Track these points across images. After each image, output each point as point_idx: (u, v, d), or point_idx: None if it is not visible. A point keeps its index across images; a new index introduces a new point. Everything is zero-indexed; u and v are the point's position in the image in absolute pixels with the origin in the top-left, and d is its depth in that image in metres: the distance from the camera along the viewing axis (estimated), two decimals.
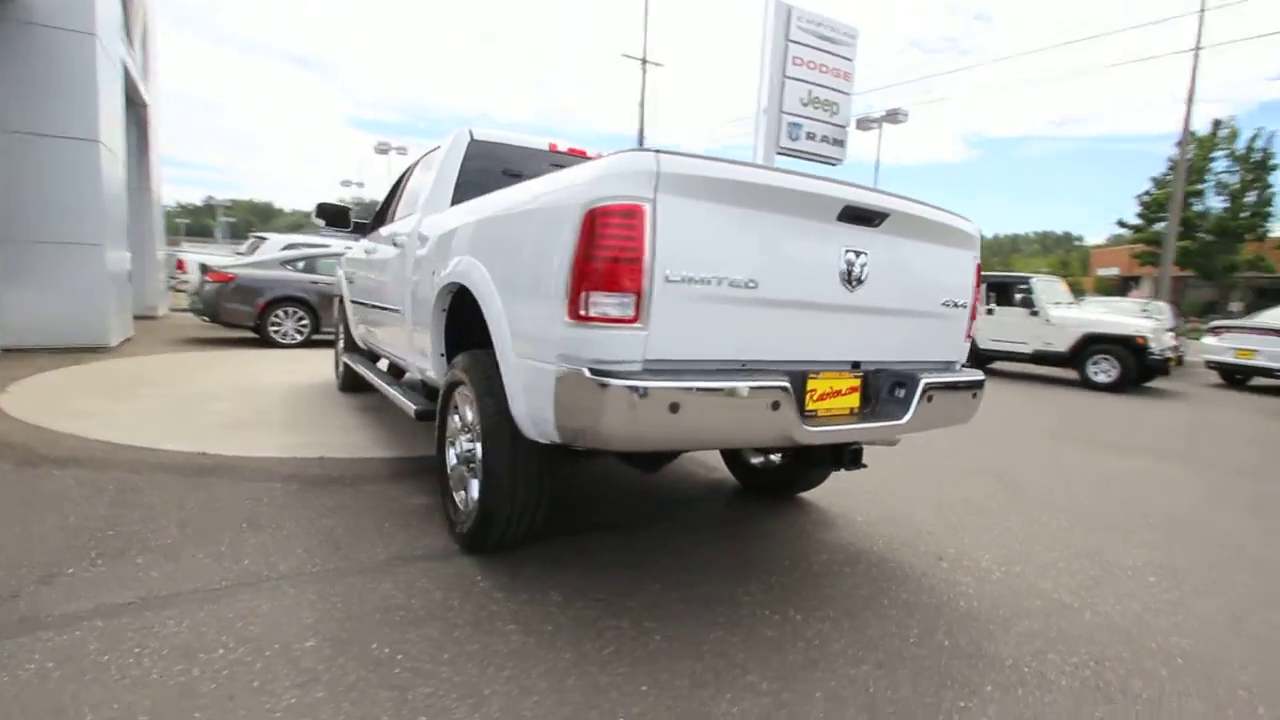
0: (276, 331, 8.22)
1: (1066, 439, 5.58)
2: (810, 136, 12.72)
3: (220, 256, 11.65)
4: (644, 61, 29.69)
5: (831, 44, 12.71)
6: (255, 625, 1.88)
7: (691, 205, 1.69)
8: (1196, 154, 24.79)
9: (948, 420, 2.37)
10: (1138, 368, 8.61)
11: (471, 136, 3.37)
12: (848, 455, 2.26)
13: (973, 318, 2.52)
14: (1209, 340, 10.01)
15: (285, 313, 8.26)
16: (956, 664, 1.93)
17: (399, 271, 3.40)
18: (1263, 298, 26.59)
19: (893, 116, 20.21)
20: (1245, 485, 4.33)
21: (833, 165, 13.40)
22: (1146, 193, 26.32)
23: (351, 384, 5.37)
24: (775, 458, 3.37)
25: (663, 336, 1.70)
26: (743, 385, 1.74)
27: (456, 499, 2.56)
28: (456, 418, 2.62)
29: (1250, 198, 24.28)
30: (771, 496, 3.39)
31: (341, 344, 5.44)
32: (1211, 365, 10.06)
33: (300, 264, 8.55)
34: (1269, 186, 24.23)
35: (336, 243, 11.28)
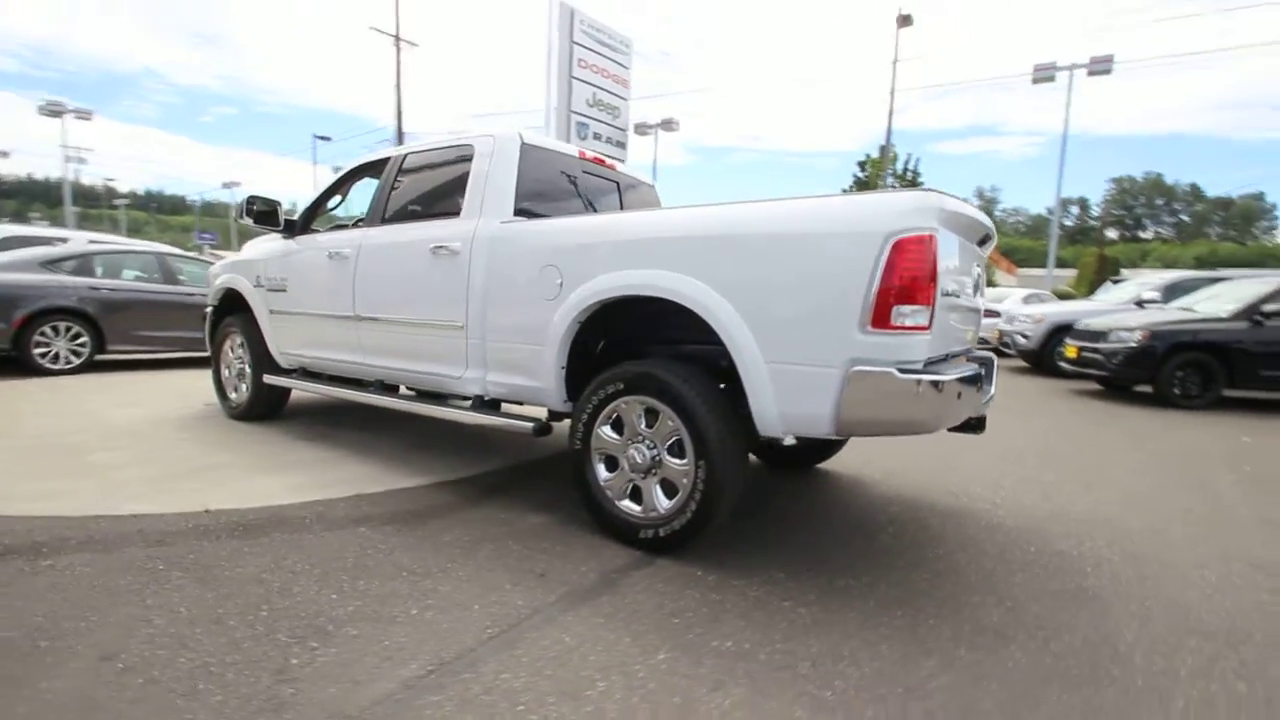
0: (44, 354, 6.24)
1: None
2: (597, 137, 13.55)
3: None
4: (397, 39, 27.63)
5: (611, 50, 13.65)
6: (592, 655, 1.84)
7: (947, 234, 2.14)
8: (870, 172, 32.20)
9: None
10: None
11: (522, 140, 3.26)
12: (981, 422, 2.92)
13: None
14: None
15: (55, 329, 6.30)
16: (1055, 560, 2.70)
17: (452, 280, 3.14)
18: None
19: (668, 125, 22.23)
20: (1039, 420, 6.15)
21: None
22: None
23: (263, 411, 4.53)
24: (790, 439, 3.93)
25: (934, 339, 2.12)
26: (977, 371, 2.24)
27: (627, 508, 2.61)
28: (608, 429, 2.66)
29: None
30: (794, 469, 3.94)
31: (243, 367, 4.54)
32: None
33: (70, 264, 6.56)
34: None
35: (76, 236, 8.83)
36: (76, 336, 6.44)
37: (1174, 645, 2.05)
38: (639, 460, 2.56)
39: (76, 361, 6.44)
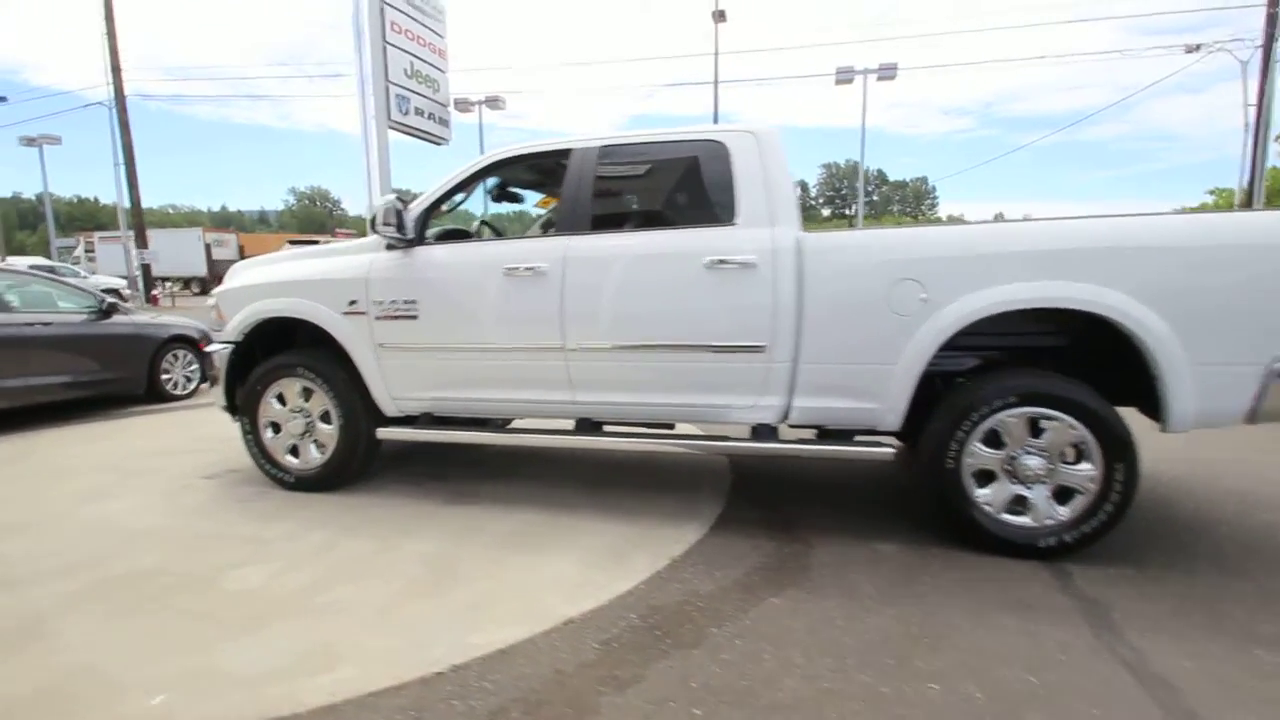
0: None
1: None
2: (419, 112, 12.39)
3: None
4: None
5: (425, 15, 12.56)
6: (1215, 669, 1.89)
7: None
8: None
9: None
10: None
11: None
12: None
13: None
14: None
15: None
16: (1218, 499, 3.33)
17: (748, 298, 2.77)
18: None
19: (493, 102, 20.73)
20: None
21: (440, 145, 13.23)
22: None
23: (351, 476, 3.48)
24: None
25: None
26: None
27: (1013, 521, 2.63)
28: (981, 445, 2.64)
29: None
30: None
31: (310, 421, 3.42)
32: None
33: None
34: None
35: None
36: None
37: None
38: (1034, 470, 2.59)
39: None
